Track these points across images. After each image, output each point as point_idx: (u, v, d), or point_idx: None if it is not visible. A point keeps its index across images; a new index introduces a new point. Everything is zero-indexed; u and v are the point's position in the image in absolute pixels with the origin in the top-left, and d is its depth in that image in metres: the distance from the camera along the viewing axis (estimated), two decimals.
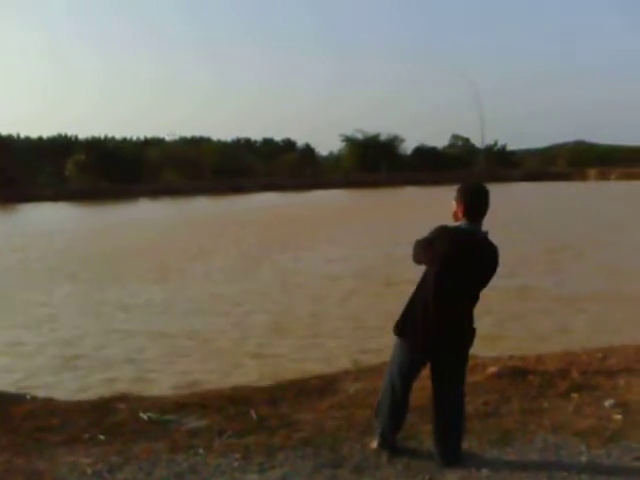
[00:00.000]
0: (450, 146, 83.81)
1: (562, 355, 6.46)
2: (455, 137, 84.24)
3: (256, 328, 10.54)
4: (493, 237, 3.92)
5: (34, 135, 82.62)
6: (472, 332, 3.96)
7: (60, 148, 70.52)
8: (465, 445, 4.12)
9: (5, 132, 71.94)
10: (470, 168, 69.21)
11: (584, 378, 5.55)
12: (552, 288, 12.94)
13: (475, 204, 3.86)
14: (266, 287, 14.09)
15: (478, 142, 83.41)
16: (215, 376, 8.01)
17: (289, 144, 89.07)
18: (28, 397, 5.92)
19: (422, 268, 4.00)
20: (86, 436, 4.61)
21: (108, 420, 4.93)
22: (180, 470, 4.01)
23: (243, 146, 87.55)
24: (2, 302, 13.33)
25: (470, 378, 4.88)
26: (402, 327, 3.98)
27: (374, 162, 72.44)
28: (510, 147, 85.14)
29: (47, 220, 35.85)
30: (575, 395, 5.14)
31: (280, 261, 17.80)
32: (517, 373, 5.64)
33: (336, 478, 3.87)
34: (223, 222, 30.33)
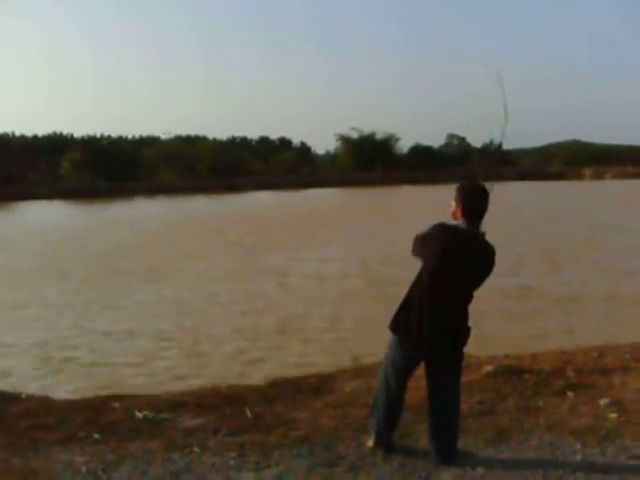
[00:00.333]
0: (446, 145, 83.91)
1: (557, 354, 6.47)
2: (451, 136, 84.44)
3: (251, 327, 10.54)
4: (489, 236, 3.92)
5: (29, 133, 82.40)
6: (467, 330, 3.96)
7: (56, 146, 70.37)
8: (460, 443, 4.12)
9: (0, 130, 71.84)
10: (466, 166, 69.35)
11: (579, 377, 5.55)
12: (547, 288, 12.96)
13: (474, 205, 3.86)
14: (261, 287, 14.08)
15: (474, 141, 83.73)
16: (210, 375, 8.00)
17: (285, 143, 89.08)
18: (23, 396, 5.90)
19: (418, 267, 4.00)
20: (81, 435, 4.60)
21: (103, 419, 4.92)
22: (176, 469, 4.01)
23: (239, 145, 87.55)
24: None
25: (466, 377, 4.88)
26: (397, 324, 3.98)
27: (370, 161, 72.44)
28: (506, 146, 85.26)
29: (42, 218, 35.74)
30: (570, 394, 5.14)
31: (275, 261, 17.78)
32: (512, 372, 5.64)
33: (332, 477, 3.87)
34: (219, 221, 30.29)
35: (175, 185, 61.28)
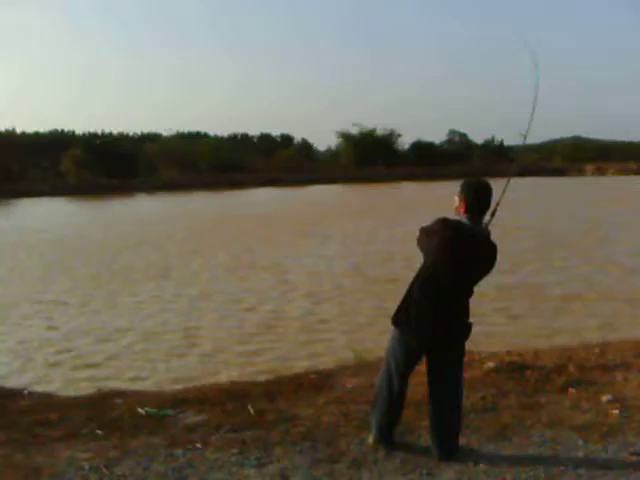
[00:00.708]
0: (447, 141, 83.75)
1: (559, 350, 6.47)
2: (452, 132, 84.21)
3: (253, 324, 10.54)
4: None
5: (31, 130, 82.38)
6: (467, 326, 3.96)
7: (57, 144, 70.33)
8: (462, 440, 4.12)
9: (2, 127, 71.87)
10: (468, 162, 69.34)
11: (581, 373, 5.56)
12: (549, 285, 12.95)
13: (477, 201, 3.88)
14: (261, 284, 14.07)
15: (476, 138, 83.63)
16: (213, 371, 8.02)
17: (286, 139, 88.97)
18: (26, 392, 5.92)
19: (419, 263, 4.02)
20: (84, 431, 4.61)
21: (106, 415, 4.94)
22: (178, 465, 4.02)
23: (240, 141, 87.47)
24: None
25: (468, 373, 4.89)
26: (398, 317, 4.00)
27: (371, 157, 72.30)
28: (507, 142, 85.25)
29: (42, 215, 35.75)
30: (572, 390, 5.14)
31: (275, 258, 17.78)
32: (514, 368, 5.64)
33: (334, 473, 3.87)
34: (220, 218, 30.28)
35: (177, 182, 61.20)
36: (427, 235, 3.97)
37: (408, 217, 25.16)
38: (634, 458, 3.98)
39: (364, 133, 77.34)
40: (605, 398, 4.92)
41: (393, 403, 4.06)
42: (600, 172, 65.94)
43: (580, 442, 4.19)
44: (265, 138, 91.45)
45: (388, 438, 4.13)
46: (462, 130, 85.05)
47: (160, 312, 11.50)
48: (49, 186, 54.65)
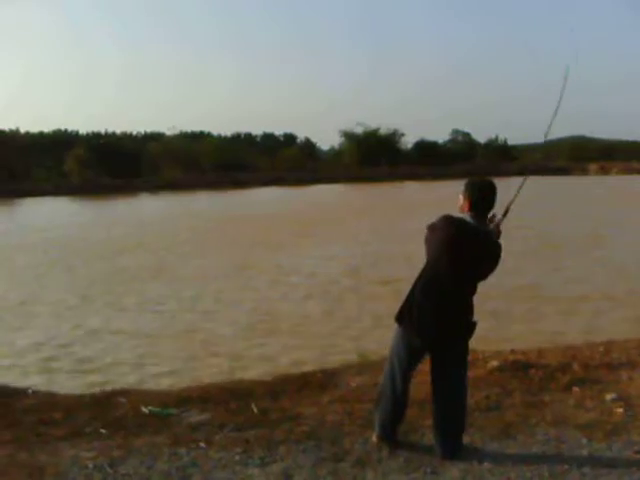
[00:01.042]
0: (451, 141, 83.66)
1: (564, 349, 6.46)
2: (455, 132, 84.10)
3: (256, 324, 10.54)
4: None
5: (35, 130, 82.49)
6: (471, 324, 3.96)
7: (61, 143, 70.41)
8: (467, 438, 4.12)
9: (6, 127, 71.94)
10: (471, 162, 69.30)
11: (586, 372, 5.55)
12: (553, 285, 12.93)
13: (481, 199, 3.91)
14: (265, 284, 14.08)
15: (479, 137, 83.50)
16: (216, 371, 8.03)
17: (289, 139, 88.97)
18: (30, 391, 5.93)
19: (424, 260, 4.02)
20: (88, 430, 4.61)
21: (110, 414, 4.94)
22: (181, 464, 4.01)
23: (243, 141, 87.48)
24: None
25: (472, 372, 4.88)
26: (401, 315, 4.01)
27: (375, 156, 72.25)
28: (510, 141, 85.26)
29: (48, 215, 35.80)
30: (577, 389, 5.14)
31: (278, 258, 17.79)
32: (519, 367, 5.64)
33: (337, 472, 3.87)
34: (223, 218, 30.29)
35: (180, 181, 61.25)
36: (432, 232, 3.99)
37: (410, 217, 25.15)
38: (638, 457, 3.97)
39: (367, 132, 77.27)
40: (609, 397, 4.91)
41: (396, 401, 4.06)
42: (604, 171, 65.78)
43: (584, 441, 4.18)
44: (268, 137, 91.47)
45: (392, 437, 4.12)
46: (465, 129, 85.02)
47: (162, 312, 11.50)
48: (53, 186, 54.73)
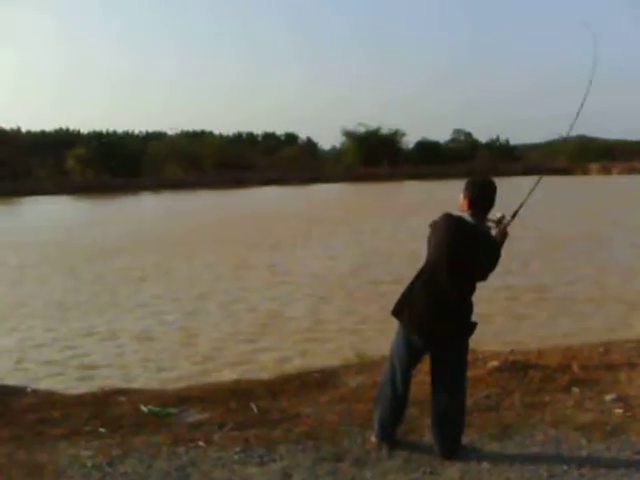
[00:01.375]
0: (452, 141, 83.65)
1: (563, 349, 6.45)
2: (457, 131, 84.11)
3: (255, 324, 10.54)
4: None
5: (36, 129, 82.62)
6: (470, 324, 3.96)
7: (63, 142, 70.47)
8: (466, 439, 4.11)
9: (7, 126, 72.01)
10: (473, 161, 69.32)
11: (585, 372, 5.54)
12: (553, 285, 12.92)
13: (480, 198, 3.91)
14: (264, 283, 14.07)
15: (481, 136, 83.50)
16: (215, 370, 8.03)
17: (291, 138, 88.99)
18: (29, 390, 5.93)
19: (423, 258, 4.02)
20: (87, 429, 4.61)
21: (109, 413, 4.94)
22: (181, 463, 4.02)
23: (245, 140, 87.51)
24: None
25: (471, 372, 4.88)
26: (399, 308, 4.02)
27: (376, 156, 72.28)
28: (512, 142, 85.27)
29: (46, 214, 35.83)
30: (576, 389, 5.13)
31: (277, 258, 17.79)
32: (518, 367, 5.63)
33: (337, 471, 3.87)
34: (222, 218, 30.30)
35: (181, 180, 61.32)
36: (433, 230, 4.01)
37: (411, 217, 25.14)
38: (638, 457, 3.96)
39: (369, 132, 77.29)
40: (609, 397, 4.91)
41: (396, 400, 4.05)
42: (605, 171, 65.72)
43: (583, 441, 4.17)
44: (269, 137, 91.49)
45: (391, 436, 4.12)
46: (467, 129, 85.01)
47: (161, 312, 11.48)
48: (54, 185, 54.78)
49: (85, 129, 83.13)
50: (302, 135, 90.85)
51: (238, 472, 3.89)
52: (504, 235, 4.01)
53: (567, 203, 32.67)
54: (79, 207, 43.07)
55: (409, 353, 4.01)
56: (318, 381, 5.65)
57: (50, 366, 8.56)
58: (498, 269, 3.97)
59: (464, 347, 4.01)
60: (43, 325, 10.75)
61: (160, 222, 28.55)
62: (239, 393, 5.32)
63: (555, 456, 3.99)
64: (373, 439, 4.18)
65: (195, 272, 15.66)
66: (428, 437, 4.16)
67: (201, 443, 4.28)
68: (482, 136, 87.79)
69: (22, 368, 8.51)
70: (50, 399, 5.47)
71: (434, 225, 4.02)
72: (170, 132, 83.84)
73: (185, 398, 5.24)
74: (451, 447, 3.98)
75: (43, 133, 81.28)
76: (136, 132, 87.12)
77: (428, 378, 4.07)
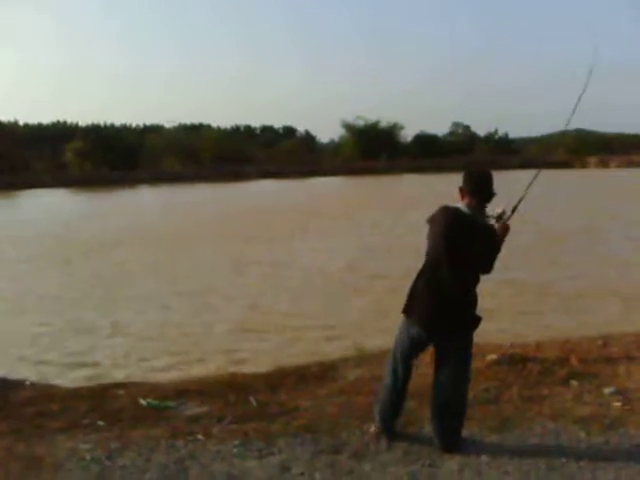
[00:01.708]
0: (450, 134, 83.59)
1: (562, 343, 6.45)
2: (455, 125, 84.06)
3: (252, 318, 10.53)
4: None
5: (34, 122, 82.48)
6: (473, 316, 3.95)
7: (60, 135, 70.35)
8: (465, 431, 4.11)
9: (5, 119, 71.87)
10: (471, 155, 69.32)
11: (584, 365, 5.54)
12: (552, 280, 12.93)
13: (477, 189, 3.90)
14: (260, 278, 14.06)
15: (479, 130, 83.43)
16: (213, 364, 8.02)
17: (289, 131, 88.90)
18: (28, 383, 5.93)
19: (418, 256, 4.02)
20: (85, 422, 4.61)
21: (107, 406, 4.93)
22: (179, 456, 4.01)
23: (243, 133, 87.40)
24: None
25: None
26: (406, 307, 4.04)
27: (374, 149, 72.25)
28: (511, 135, 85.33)
29: (45, 207, 35.77)
30: (575, 382, 5.13)
31: (275, 252, 17.79)
32: (517, 360, 5.63)
33: (335, 464, 3.86)
34: (220, 211, 30.27)
35: (179, 173, 61.26)
36: (430, 223, 4.02)
37: (410, 210, 25.13)
38: (636, 450, 3.96)
39: (367, 125, 77.22)
40: (607, 390, 4.91)
41: (396, 391, 4.05)
42: (603, 165, 65.74)
43: (582, 434, 4.18)
44: (268, 130, 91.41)
45: (390, 428, 4.12)
46: (465, 122, 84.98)
47: (159, 307, 11.47)
48: (52, 178, 54.67)
49: (83, 122, 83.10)
50: (300, 128, 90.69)
51: (237, 465, 3.89)
52: (505, 230, 4.00)
53: (565, 197, 32.71)
54: (77, 200, 43.02)
55: (412, 344, 4.02)
56: (317, 374, 5.65)
57: (47, 360, 8.56)
58: (497, 264, 3.96)
59: (468, 341, 4.00)
60: (39, 319, 10.73)
61: (158, 215, 28.53)
62: (238, 386, 5.32)
63: (554, 449, 3.99)
64: (372, 430, 4.17)
65: (193, 266, 15.64)
66: (427, 429, 4.16)
67: (200, 436, 4.28)
68: (481, 129, 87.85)
69: (21, 361, 8.50)
70: (48, 392, 5.47)
71: (432, 219, 4.02)
72: (168, 125, 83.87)
73: (183, 391, 5.23)
74: (451, 440, 3.97)
75: (41, 126, 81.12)
76: (134, 125, 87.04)
77: (427, 371, 4.07)
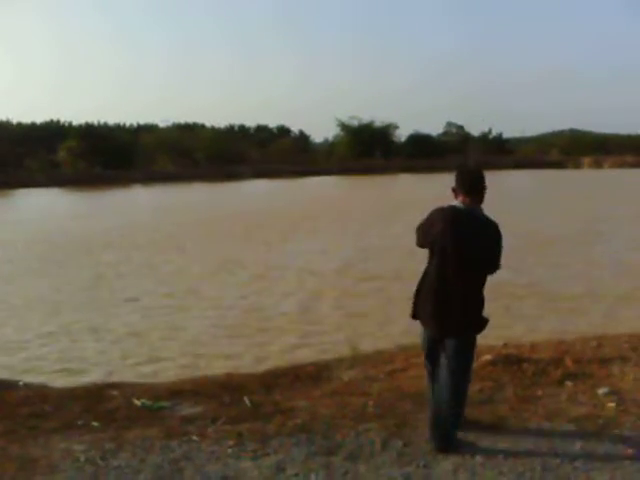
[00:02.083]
0: (444, 134, 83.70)
1: (556, 343, 6.46)
2: (449, 124, 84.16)
3: (245, 320, 10.51)
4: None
5: (27, 121, 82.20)
6: (481, 319, 3.97)
7: (54, 134, 70.12)
8: (459, 432, 4.11)
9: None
10: (465, 154, 69.40)
11: (578, 366, 5.55)
12: (547, 281, 12.95)
13: (468, 183, 3.93)
14: (252, 279, 14.02)
15: (473, 130, 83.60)
16: (207, 365, 8.01)
17: (283, 131, 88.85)
18: (22, 384, 5.90)
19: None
20: (80, 423, 4.59)
21: (101, 407, 4.92)
22: (174, 457, 4.00)
23: (237, 132, 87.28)
24: None
25: None
26: (413, 309, 4.09)
27: (369, 149, 72.32)
28: (505, 135, 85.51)
29: (37, 206, 35.66)
30: (569, 383, 5.14)
31: (268, 251, 17.77)
32: (511, 361, 5.64)
33: (330, 465, 3.86)
34: (213, 211, 30.23)
35: (173, 173, 61.14)
36: (424, 229, 4.02)
37: (405, 209, 25.14)
38: (630, 451, 3.97)
39: (362, 125, 77.28)
40: (601, 391, 4.92)
41: (432, 391, 4.09)
42: (597, 165, 65.95)
43: (576, 434, 4.18)
44: (262, 129, 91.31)
45: (450, 438, 4.02)
46: (459, 122, 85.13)
47: (153, 308, 11.43)
48: (45, 177, 54.50)
49: (77, 121, 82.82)
50: (294, 128, 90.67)
51: (232, 466, 3.88)
52: None
53: (558, 197, 32.76)
54: (70, 199, 42.89)
55: (428, 343, 4.11)
56: (311, 375, 5.64)
57: (39, 360, 8.53)
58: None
59: (471, 342, 4.01)
60: (32, 319, 10.70)
61: (150, 215, 28.45)
62: (232, 387, 5.31)
63: (548, 449, 4.00)
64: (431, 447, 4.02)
65: (184, 266, 15.60)
66: (422, 430, 4.16)
67: (194, 437, 4.27)
68: (474, 129, 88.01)
69: (13, 362, 8.47)
70: (42, 393, 5.45)
71: (426, 223, 4.02)
72: (162, 125, 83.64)
73: (177, 392, 5.22)
74: (445, 441, 3.97)
75: (34, 125, 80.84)
76: (128, 125, 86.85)
77: (421, 372, 4.07)
